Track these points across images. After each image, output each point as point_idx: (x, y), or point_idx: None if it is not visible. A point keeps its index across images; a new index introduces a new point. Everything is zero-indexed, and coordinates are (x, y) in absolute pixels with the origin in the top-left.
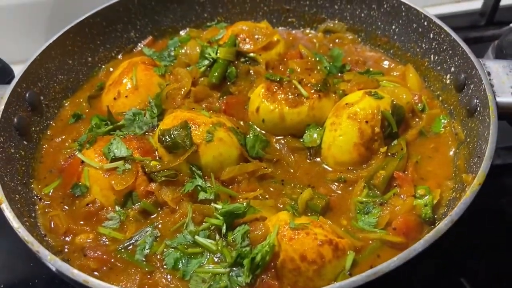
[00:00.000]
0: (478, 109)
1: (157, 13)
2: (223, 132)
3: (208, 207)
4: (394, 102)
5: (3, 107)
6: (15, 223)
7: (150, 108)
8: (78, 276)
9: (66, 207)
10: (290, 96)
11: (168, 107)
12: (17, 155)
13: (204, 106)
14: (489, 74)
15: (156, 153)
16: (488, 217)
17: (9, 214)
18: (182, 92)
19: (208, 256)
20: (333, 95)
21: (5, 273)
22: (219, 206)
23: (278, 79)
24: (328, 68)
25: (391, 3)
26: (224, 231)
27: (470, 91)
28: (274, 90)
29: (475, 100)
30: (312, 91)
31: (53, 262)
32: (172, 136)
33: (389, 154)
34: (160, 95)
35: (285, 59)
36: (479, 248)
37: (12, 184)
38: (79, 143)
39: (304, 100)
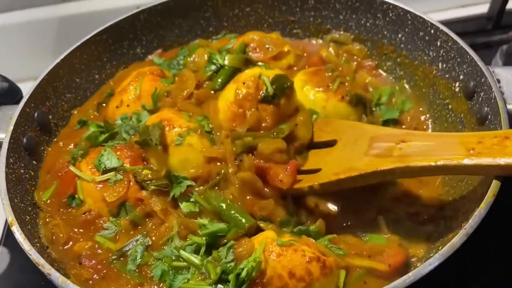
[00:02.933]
0: (489, 117)
1: (162, 28)
2: (195, 138)
3: (193, 221)
4: (280, 74)
5: (12, 127)
6: (26, 245)
7: (138, 111)
8: None
9: (64, 211)
10: None
11: (165, 106)
12: (27, 175)
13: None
14: (498, 81)
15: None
16: (503, 221)
17: (19, 237)
18: (184, 94)
19: (193, 271)
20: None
21: None
22: (204, 222)
23: None
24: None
25: (397, 12)
26: (203, 250)
27: (480, 99)
28: None
29: (486, 108)
30: None
31: (65, 285)
32: (144, 134)
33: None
34: (157, 93)
35: (295, 68)
36: (494, 252)
37: (22, 205)
38: (72, 157)
39: None
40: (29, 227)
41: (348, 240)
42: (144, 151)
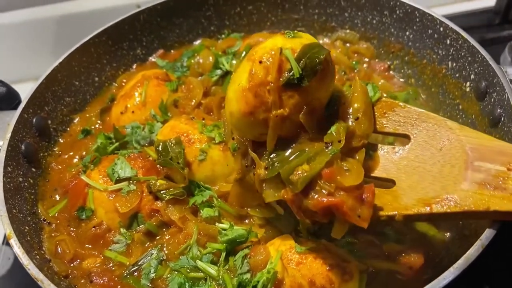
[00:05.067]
0: (502, 119)
1: (163, 28)
2: (217, 151)
3: (213, 227)
4: (309, 43)
5: (9, 134)
6: (24, 260)
7: (151, 123)
8: None
9: (73, 229)
10: None
11: (175, 115)
12: (26, 184)
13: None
14: (511, 81)
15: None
16: None
17: (18, 250)
18: (193, 103)
19: (210, 283)
20: None
21: None
22: (225, 226)
23: None
24: None
25: (404, 9)
26: (223, 257)
27: (492, 100)
28: None
29: (499, 110)
30: None
31: None
32: (164, 153)
33: (325, 143)
34: (166, 103)
35: None
36: (504, 253)
37: (21, 215)
38: (83, 164)
39: None
40: (28, 238)
41: (365, 240)
42: (166, 169)
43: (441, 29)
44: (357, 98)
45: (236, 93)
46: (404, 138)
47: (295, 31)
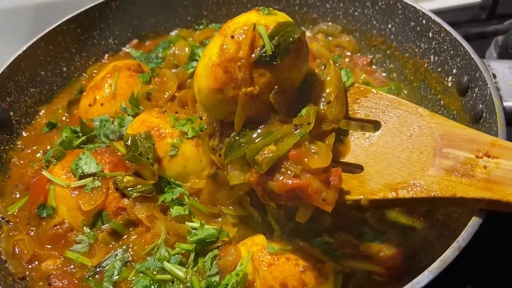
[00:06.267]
0: (484, 115)
1: (137, 17)
2: (190, 146)
3: (183, 226)
4: (283, 21)
5: None
6: None
7: (121, 116)
8: None
9: (33, 229)
10: None
11: (147, 108)
12: None
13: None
14: (494, 76)
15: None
16: (497, 222)
17: None
18: (166, 96)
19: (178, 285)
20: None
21: None
22: (195, 225)
23: None
24: None
25: (386, 0)
26: (192, 258)
27: (474, 95)
28: None
29: (480, 105)
30: None
31: None
32: (133, 147)
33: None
34: (137, 95)
35: None
36: (487, 253)
37: None
38: (46, 159)
39: None
40: None
41: (343, 239)
42: (135, 165)
43: (424, 21)
44: (330, 82)
45: (206, 68)
46: (375, 124)
47: (270, 8)
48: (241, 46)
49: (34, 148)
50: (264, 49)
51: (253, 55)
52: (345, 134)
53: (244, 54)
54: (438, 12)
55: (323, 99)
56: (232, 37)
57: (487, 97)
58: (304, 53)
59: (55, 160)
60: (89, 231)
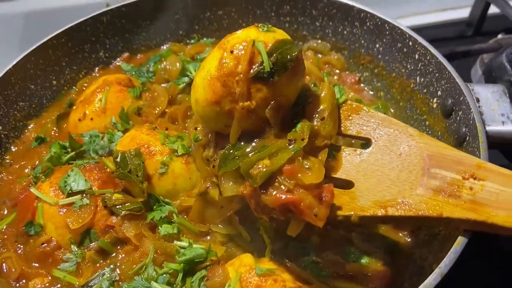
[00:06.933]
0: (467, 138)
1: (128, 31)
2: (179, 164)
3: (171, 245)
4: (282, 38)
5: None
6: None
7: (111, 131)
8: None
9: (21, 246)
10: None
11: (137, 124)
12: None
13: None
14: (478, 100)
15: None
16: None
17: None
18: (156, 112)
19: None
20: None
21: None
22: (183, 245)
23: None
24: None
25: (374, 21)
26: (180, 278)
27: (458, 118)
28: None
29: (464, 129)
30: None
31: None
32: (123, 164)
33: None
34: (127, 111)
35: None
36: (476, 269)
37: None
38: (34, 175)
39: None
40: None
41: (330, 259)
42: (124, 182)
43: (410, 43)
44: (324, 99)
45: (204, 80)
46: (366, 141)
47: (269, 25)
48: (240, 62)
49: (22, 163)
50: (262, 66)
51: (251, 71)
52: (338, 150)
53: (242, 69)
54: (424, 28)
55: (317, 115)
56: (232, 52)
57: (471, 121)
58: (300, 71)
59: (43, 177)
60: (76, 249)
